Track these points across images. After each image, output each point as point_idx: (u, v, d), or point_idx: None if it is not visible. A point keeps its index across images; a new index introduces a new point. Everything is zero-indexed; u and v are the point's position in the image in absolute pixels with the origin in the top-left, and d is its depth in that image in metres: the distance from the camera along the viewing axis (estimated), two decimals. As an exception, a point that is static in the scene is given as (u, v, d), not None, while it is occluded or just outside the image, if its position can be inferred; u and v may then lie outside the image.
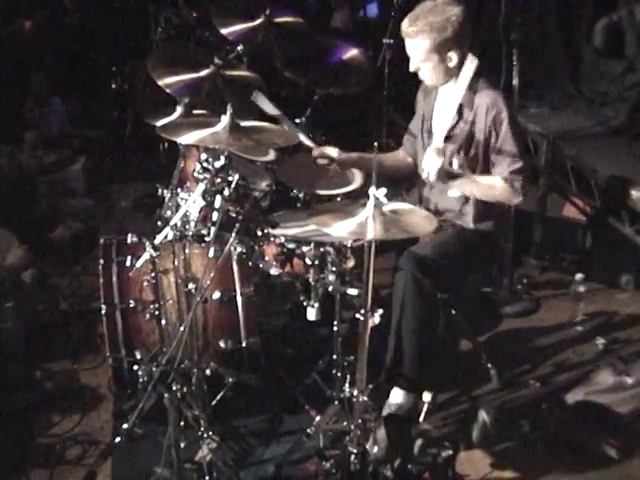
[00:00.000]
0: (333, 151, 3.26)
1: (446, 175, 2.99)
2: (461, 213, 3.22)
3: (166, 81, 3.35)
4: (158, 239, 2.93)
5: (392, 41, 4.39)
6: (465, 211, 3.21)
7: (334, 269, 2.88)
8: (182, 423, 2.90)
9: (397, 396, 3.14)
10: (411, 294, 3.01)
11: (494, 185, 3.07)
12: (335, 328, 3.02)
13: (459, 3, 3.02)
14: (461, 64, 3.04)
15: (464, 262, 3.20)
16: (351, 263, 2.90)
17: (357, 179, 3.34)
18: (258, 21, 4.06)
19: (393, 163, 3.42)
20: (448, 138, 3.14)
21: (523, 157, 3.06)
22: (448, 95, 3.16)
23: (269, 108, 3.20)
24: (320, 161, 3.26)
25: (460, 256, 3.15)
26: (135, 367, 3.14)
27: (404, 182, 3.50)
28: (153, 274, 3.19)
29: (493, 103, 3.04)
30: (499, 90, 3.12)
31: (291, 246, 2.98)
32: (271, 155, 3.47)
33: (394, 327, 3.09)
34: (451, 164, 3.14)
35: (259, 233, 2.98)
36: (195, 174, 2.94)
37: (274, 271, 3.04)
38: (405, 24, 3.02)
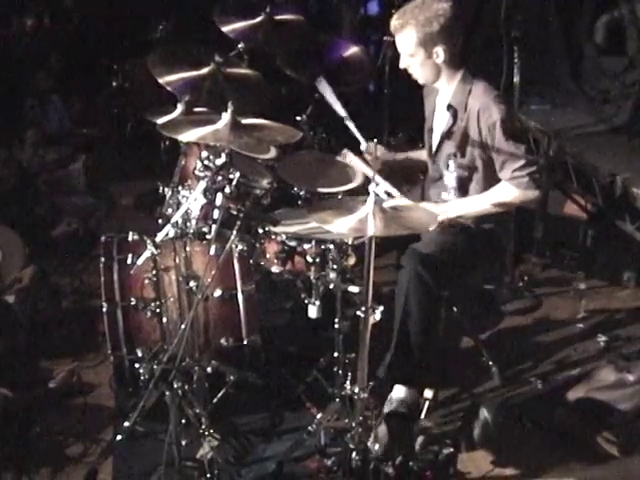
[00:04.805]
0: (379, 149, 3.31)
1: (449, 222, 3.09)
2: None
3: (167, 79, 3.34)
4: (159, 237, 2.93)
5: (393, 38, 4.38)
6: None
7: (335, 267, 2.88)
8: (183, 421, 2.91)
9: (399, 392, 3.15)
10: (414, 290, 3.01)
11: (504, 193, 3.07)
12: (336, 325, 3.02)
13: (449, 1, 3.01)
14: (451, 61, 3.05)
15: (466, 260, 3.20)
16: (352, 260, 2.90)
17: (357, 177, 3.34)
18: (259, 19, 4.06)
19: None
20: (445, 139, 3.15)
21: (524, 153, 3.04)
22: (444, 94, 3.17)
23: (330, 98, 3.18)
24: (367, 156, 3.27)
25: (462, 254, 3.15)
26: (136, 365, 3.12)
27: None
28: (154, 272, 3.19)
29: (484, 107, 3.02)
30: (491, 91, 3.09)
31: (292, 244, 2.98)
32: (272, 153, 3.46)
33: (397, 324, 3.09)
34: (448, 167, 3.15)
35: (260, 231, 2.98)
36: (196, 172, 2.94)
37: (275, 269, 3.04)
38: (393, 19, 3.07)
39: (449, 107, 3.10)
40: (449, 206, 3.14)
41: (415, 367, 3.11)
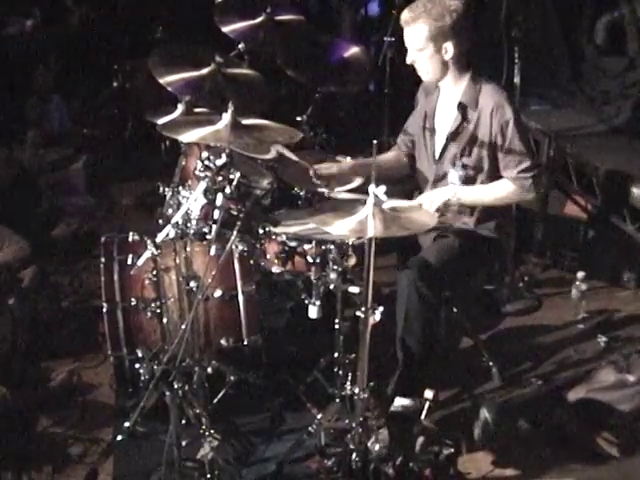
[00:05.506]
0: (332, 167, 3.26)
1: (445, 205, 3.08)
2: (461, 213, 3.22)
3: (167, 79, 3.34)
4: (159, 237, 2.93)
5: (393, 39, 4.38)
6: (465, 211, 3.21)
7: (336, 267, 2.88)
8: (184, 421, 2.91)
9: (402, 400, 3.14)
10: (414, 306, 3.01)
11: (503, 189, 3.09)
12: (337, 326, 3.02)
13: None
14: (458, 59, 3.05)
15: (467, 265, 3.20)
16: (352, 261, 2.90)
17: (357, 178, 3.33)
18: (259, 19, 4.06)
19: (390, 164, 3.42)
20: (452, 138, 3.14)
21: (531, 155, 3.07)
22: (450, 94, 3.16)
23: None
24: (314, 181, 3.24)
25: (462, 260, 3.14)
26: (137, 365, 3.13)
27: (401, 181, 3.50)
28: (154, 272, 3.20)
29: (498, 105, 3.03)
30: (503, 90, 3.12)
31: (293, 244, 2.98)
32: (272, 153, 3.46)
33: (399, 339, 3.08)
34: (454, 165, 3.15)
35: (260, 231, 2.98)
36: (196, 172, 2.93)
37: (276, 269, 3.03)
38: (404, 12, 3.05)
39: (459, 105, 3.10)
40: (451, 190, 3.11)
41: (416, 378, 3.11)
